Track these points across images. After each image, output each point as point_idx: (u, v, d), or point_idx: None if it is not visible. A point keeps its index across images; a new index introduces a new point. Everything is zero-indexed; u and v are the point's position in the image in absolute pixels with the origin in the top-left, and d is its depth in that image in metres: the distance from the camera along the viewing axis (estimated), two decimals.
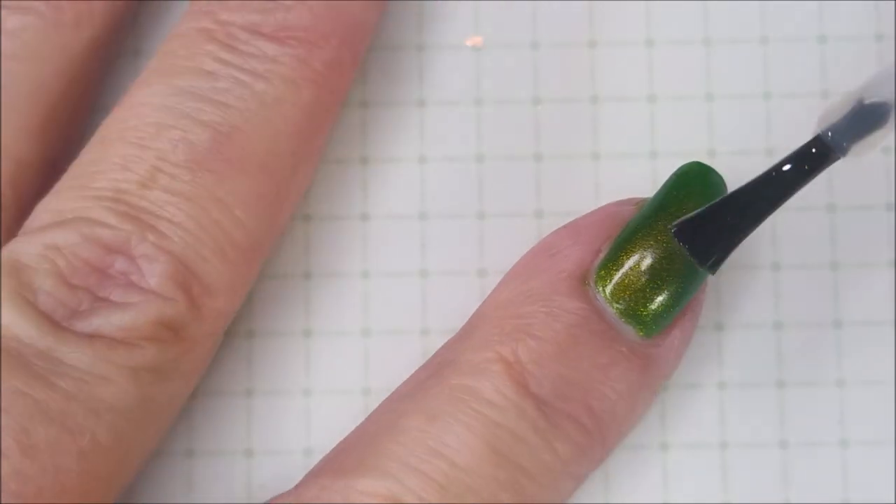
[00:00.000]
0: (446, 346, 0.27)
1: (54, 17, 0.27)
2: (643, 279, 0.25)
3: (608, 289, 0.25)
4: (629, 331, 0.25)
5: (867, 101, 0.22)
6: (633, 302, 0.25)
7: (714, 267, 0.25)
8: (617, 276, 0.25)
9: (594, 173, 0.29)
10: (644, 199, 0.27)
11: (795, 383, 0.28)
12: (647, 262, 0.25)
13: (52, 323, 0.24)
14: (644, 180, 0.29)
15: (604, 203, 0.29)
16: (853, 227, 0.29)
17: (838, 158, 0.23)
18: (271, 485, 0.28)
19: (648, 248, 0.25)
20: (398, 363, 0.28)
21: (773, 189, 0.24)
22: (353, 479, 0.24)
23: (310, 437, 0.28)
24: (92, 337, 0.24)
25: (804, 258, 0.29)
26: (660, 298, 0.25)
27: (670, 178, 0.26)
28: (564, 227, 0.27)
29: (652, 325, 0.25)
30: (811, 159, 0.23)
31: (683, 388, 0.28)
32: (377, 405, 0.26)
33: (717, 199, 0.25)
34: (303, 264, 0.29)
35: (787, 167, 0.23)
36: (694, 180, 0.26)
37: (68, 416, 0.23)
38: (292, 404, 0.28)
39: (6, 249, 0.25)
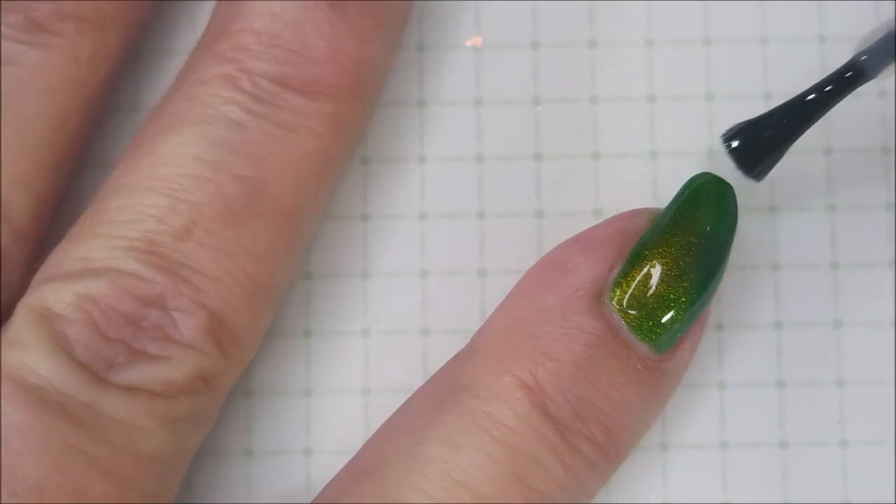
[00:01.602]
0: (459, 363, 0.26)
1: (74, 54, 0.26)
2: (657, 295, 0.25)
3: (623, 305, 0.25)
4: (643, 347, 0.25)
5: None
6: (647, 318, 0.25)
7: (760, 175, 0.26)
8: (630, 292, 0.25)
9: (594, 173, 0.29)
10: (655, 211, 0.26)
11: (795, 383, 0.28)
12: (661, 277, 0.25)
13: (94, 375, 0.24)
14: (644, 180, 0.29)
15: (603, 203, 0.29)
16: (853, 227, 0.29)
17: (870, 80, 0.25)
18: (271, 485, 0.28)
19: (662, 263, 0.25)
20: (398, 363, 0.28)
21: (812, 105, 0.25)
22: None
23: (310, 437, 0.28)
24: (133, 390, 0.24)
25: (804, 258, 0.29)
26: (673, 314, 0.25)
27: (683, 191, 0.26)
28: (575, 239, 0.27)
29: (666, 341, 0.26)
30: (844, 81, 0.25)
31: (683, 388, 0.28)
32: (386, 417, 0.26)
33: (763, 113, 0.26)
34: (303, 265, 0.29)
35: (827, 88, 0.25)
36: (707, 196, 0.26)
37: (120, 471, 0.23)
38: (292, 404, 0.28)
39: (35, 295, 0.24)
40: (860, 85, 0.25)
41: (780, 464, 0.28)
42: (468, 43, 0.30)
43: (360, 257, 0.29)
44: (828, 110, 0.25)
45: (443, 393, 0.26)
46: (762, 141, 0.25)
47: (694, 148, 0.29)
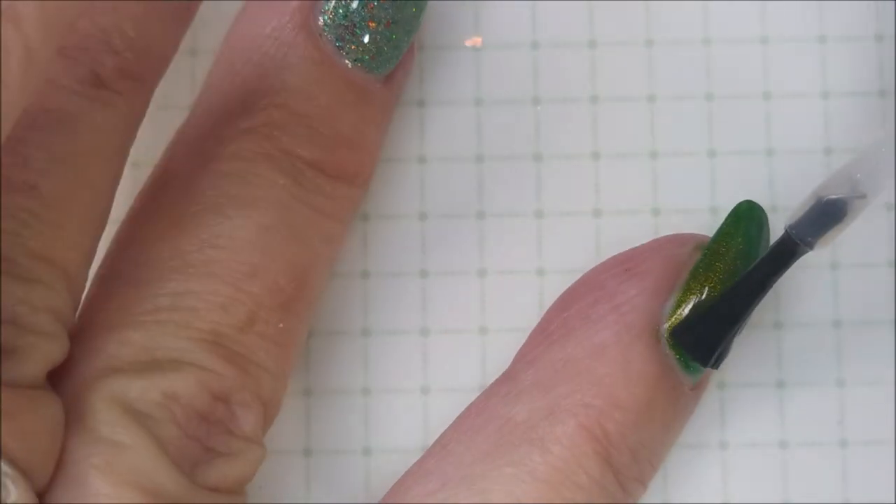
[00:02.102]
0: (508, 401, 0.26)
1: (130, 115, 0.25)
2: (703, 327, 0.25)
3: (674, 342, 0.25)
4: (688, 381, 0.26)
5: (825, 199, 0.24)
6: (696, 354, 0.25)
7: (717, 363, 0.25)
8: (682, 329, 0.25)
9: (594, 173, 0.29)
10: (702, 239, 0.27)
11: (795, 383, 0.28)
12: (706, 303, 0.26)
13: (186, 476, 0.23)
14: (644, 180, 0.29)
15: (603, 203, 0.29)
16: (853, 228, 0.29)
17: (805, 252, 0.24)
18: (271, 485, 0.28)
19: (708, 291, 0.26)
20: (398, 363, 0.28)
21: (754, 285, 0.25)
22: None
23: (310, 437, 0.28)
24: (215, 490, 0.23)
25: (804, 258, 0.29)
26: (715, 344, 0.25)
27: (728, 220, 0.26)
28: (623, 267, 0.26)
29: (701, 371, 0.26)
30: (782, 255, 0.25)
31: None
32: (445, 416, 0.26)
33: (706, 306, 0.25)
34: None
35: (764, 268, 0.25)
36: (748, 224, 0.26)
37: None
38: (293, 404, 0.28)
39: (112, 387, 0.23)
40: (800, 256, 0.25)
41: (780, 464, 0.28)
42: (468, 43, 0.30)
43: (361, 257, 0.29)
44: (769, 288, 0.25)
45: (497, 437, 0.25)
46: (713, 335, 0.25)
47: (694, 148, 0.29)
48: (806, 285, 0.29)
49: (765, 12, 0.30)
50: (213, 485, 0.23)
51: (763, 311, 0.29)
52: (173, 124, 0.28)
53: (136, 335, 0.24)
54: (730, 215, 0.26)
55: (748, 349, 0.28)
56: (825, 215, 0.24)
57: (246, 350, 0.24)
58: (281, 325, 0.25)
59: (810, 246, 0.24)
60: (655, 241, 0.27)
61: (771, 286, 0.25)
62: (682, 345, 0.25)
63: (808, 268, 0.29)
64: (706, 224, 0.28)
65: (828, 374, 0.28)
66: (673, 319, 0.25)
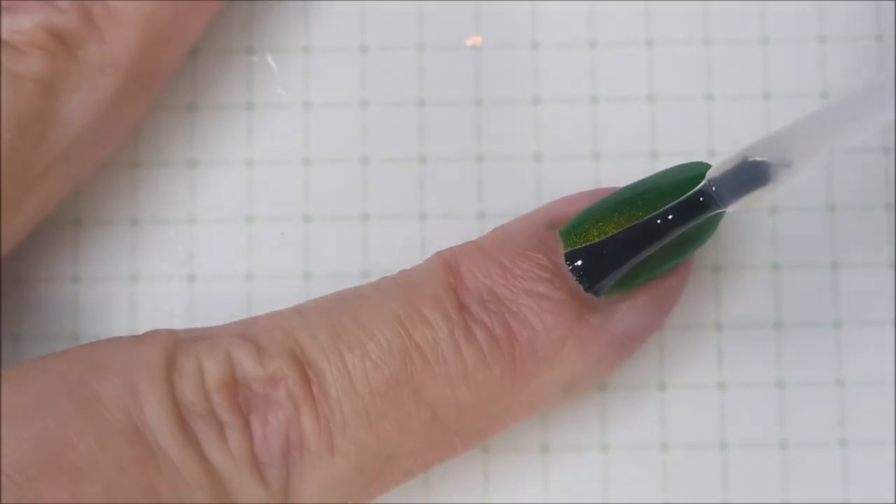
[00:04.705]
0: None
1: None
2: (602, 236, 0.25)
3: (566, 230, 0.26)
4: (572, 278, 0.25)
5: (750, 159, 0.23)
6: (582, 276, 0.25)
7: (598, 292, 0.25)
8: (580, 226, 0.26)
9: (594, 173, 0.29)
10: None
11: (795, 383, 0.28)
12: (612, 225, 0.25)
13: None
14: None
15: None
16: (853, 227, 0.29)
17: (719, 209, 0.24)
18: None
19: (619, 216, 0.25)
20: None
21: (655, 228, 0.25)
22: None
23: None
24: None
25: (804, 258, 0.29)
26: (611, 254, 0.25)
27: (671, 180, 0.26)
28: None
29: (597, 278, 0.25)
30: (694, 207, 0.24)
31: (683, 387, 0.28)
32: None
33: (607, 236, 0.25)
34: (303, 265, 0.29)
35: (671, 215, 0.24)
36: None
37: None
38: None
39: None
40: (711, 213, 0.24)
41: (780, 464, 0.28)
42: (468, 43, 0.30)
43: (360, 257, 0.29)
44: (674, 235, 0.24)
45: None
46: (603, 261, 0.25)
47: (694, 148, 0.29)
48: (806, 285, 0.29)
49: (765, 12, 0.30)
50: None
51: (763, 311, 0.29)
52: (173, 124, 0.28)
53: None
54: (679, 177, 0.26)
55: (748, 349, 0.28)
56: (748, 176, 0.23)
57: None
58: None
59: (724, 203, 0.24)
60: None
61: (670, 235, 0.24)
62: (572, 268, 0.25)
63: (808, 268, 0.29)
64: None
65: (828, 374, 0.28)
66: (572, 234, 0.26)
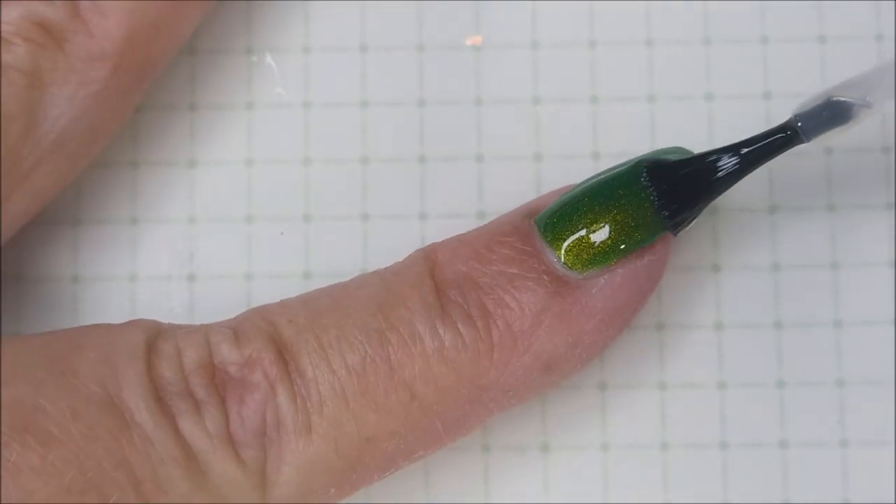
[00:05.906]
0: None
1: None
2: (580, 219, 0.26)
3: (539, 217, 0.26)
4: (552, 256, 0.25)
5: (834, 98, 0.25)
6: (563, 229, 0.26)
7: (671, 220, 0.26)
8: (558, 213, 0.26)
9: (594, 172, 0.29)
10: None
11: (795, 383, 0.28)
12: (587, 208, 0.26)
13: None
14: None
15: None
16: (853, 227, 0.29)
17: (802, 143, 0.25)
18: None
19: (595, 202, 0.26)
20: None
21: (742, 161, 0.26)
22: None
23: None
24: None
25: (804, 258, 0.29)
26: (584, 231, 0.25)
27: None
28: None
29: (577, 254, 0.25)
30: (780, 139, 0.25)
31: (683, 388, 0.28)
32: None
33: (691, 157, 0.26)
34: (303, 265, 0.29)
35: (757, 143, 0.26)
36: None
37: None
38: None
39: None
40: (793, 146, 0.25)
41: (780, 464, 0.28)
42: (468, 43, 0.30)
43: (360, 257, 0.29)
44: (757, 167, 0.26)
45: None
46: (681, 184, 0.26)
47: (694, 147, 0.29)
48: (806, 285, 0.29)
49: (765, 12, 0.30)
50: None
51: (763, 311, 0.29)
52: (173, 124, 0.28)
53: None
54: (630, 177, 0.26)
55: (748, 349, 0.28)
56: (831, 114, 0.25)
57: None
58: None
59: (808, 137, 0.25)
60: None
61: (754, 167, 0.26)
62: (654, 182, 0.25)
63: (808, 268, 0.29)
64: (706, 222, 0.29)
65: (828, 374, 0.28)
66: (545, 218, 0.26)
